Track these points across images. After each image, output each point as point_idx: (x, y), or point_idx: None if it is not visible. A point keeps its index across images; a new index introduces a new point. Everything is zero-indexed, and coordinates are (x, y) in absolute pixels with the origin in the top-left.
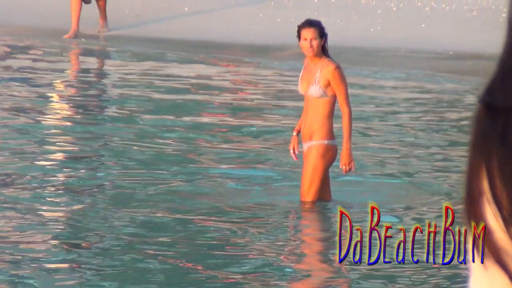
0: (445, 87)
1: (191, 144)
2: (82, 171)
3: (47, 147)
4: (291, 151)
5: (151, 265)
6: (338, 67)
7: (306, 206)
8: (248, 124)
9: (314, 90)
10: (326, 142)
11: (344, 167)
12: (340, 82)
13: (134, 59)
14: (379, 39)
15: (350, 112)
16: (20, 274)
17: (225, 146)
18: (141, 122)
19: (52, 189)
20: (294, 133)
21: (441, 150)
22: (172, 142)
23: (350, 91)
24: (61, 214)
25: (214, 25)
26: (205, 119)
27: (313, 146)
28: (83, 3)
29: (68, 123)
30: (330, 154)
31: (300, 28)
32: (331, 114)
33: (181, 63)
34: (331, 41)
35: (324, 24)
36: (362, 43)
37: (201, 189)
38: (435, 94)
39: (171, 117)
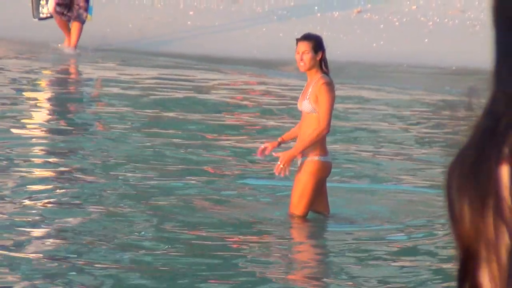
0: (450, 99)
1: (192, 150)
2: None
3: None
4: (262, 146)
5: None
6: (327, 83)
7: (295, 220)
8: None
9: (305, 105)
10: (316, 158)
11: (280, 163)
12: (325, 98)
13: (134, 68)
14: (382, 54)
15: (323, 130)
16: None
17: (224, 152)
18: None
19: (65, 198)
20: (278, 139)
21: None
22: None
23: (356, 101)
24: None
25: (217, 39)
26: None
27: (304, 162)
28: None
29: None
30: (321, 170)
31: (296, 41)
32: None
33: (184, 71)
34: (333, 55)
35: (326, 38)
36: (365, 58)
37: (206, 198)
38: (440, 107)
39: (174, 116)
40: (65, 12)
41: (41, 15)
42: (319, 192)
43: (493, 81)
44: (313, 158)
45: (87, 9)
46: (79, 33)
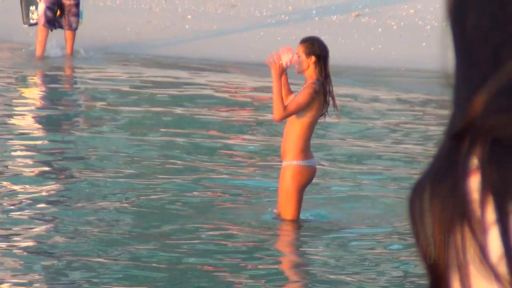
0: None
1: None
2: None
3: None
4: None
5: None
6: (312, 87)
7: (286, 225)
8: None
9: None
10: (295, 162)
11: (279, 64)
12: (302, 96)
13: (131, 70)
14: (380, 58)
15: (280, 113)
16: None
17: (215, 156)
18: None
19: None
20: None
21: None
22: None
23: (353, 102)
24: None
25: (215, 43)
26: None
27: (284, 167)
28: (49, 30)
29: (60, 134)
30: (302, 174)
31: None
32: (305, 135)
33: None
34: (331, 59)
35: (324, 42)
36: (363, 62)
37: (192, 200)
38: (440, 108)
39: (162, 112)
40: (55, 18)
41: (31, 21)
42: (302, 195)
43: (452, 102)
44: (292, 162)
45: (78, 14)
46: (73, 41)
